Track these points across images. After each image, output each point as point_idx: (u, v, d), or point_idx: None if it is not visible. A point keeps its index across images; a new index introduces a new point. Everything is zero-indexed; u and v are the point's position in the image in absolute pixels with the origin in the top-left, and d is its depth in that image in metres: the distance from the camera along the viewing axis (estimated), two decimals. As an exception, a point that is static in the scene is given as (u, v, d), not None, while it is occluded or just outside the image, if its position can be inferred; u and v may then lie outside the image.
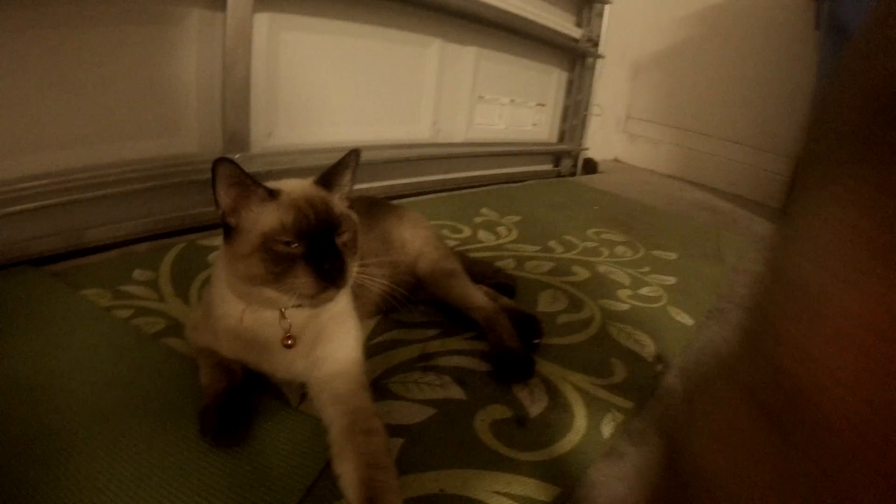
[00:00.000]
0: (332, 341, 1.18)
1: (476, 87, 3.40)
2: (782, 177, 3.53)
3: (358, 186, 2.72)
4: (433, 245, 1.68)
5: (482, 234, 2.42)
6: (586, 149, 4.41)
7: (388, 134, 2.93)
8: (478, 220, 2.63)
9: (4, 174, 1.75)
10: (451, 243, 2.16)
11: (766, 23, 4.09)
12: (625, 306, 1.87)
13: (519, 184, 3.66)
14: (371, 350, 1.42)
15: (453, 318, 1.61)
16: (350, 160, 1.16)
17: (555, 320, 1.71)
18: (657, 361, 1.57)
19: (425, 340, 1.52)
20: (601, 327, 1.70)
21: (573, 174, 4.35)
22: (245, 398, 1.15)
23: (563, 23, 3.77)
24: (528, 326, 1.55)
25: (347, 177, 1.17)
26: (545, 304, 1.82)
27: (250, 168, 2.17)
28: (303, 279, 1.01)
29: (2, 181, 1.74)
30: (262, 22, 2.24)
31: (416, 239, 1.67)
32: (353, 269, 1.09)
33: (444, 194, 3.09)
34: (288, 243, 1.02)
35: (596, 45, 4.07)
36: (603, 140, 4.72)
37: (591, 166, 4.53)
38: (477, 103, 3.46)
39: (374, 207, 1.68)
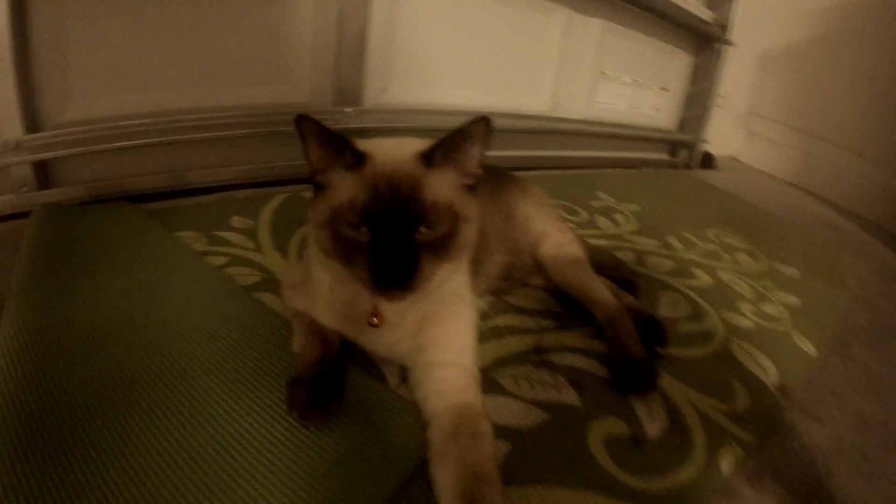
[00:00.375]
0: (441, 325, 1.03)
1: (599, 62, 3.18)
2: None
3: None
4: (557, 226, 1.51)
5: (600, 220, 2.24)
6: (706, 142, 4.09)
7: (506, 103, 2.76)
8: (595, 203, 2.44)
9: (112, 110, 1.73)
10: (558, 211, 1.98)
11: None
12: (748, 323, 1.67)
13: (635, 170, 3.44)
14: (481, 335, 1.27)
15: (570, 308, 1.44)
16: (475, 131, 0.91)
17: (676, 328, 1.52)
18: (780, 393, 1.36)
19: (540, 331, 1.35)
20: (724, 343, 1.51)
21: (689, 167, 4.05)
22: (339, 372, 1.02)
23: (693, 2, 3.46)
24: (652, 331, 1.37)
25: (470, 152, 0.94)
26: (666, 307, 1.63)
27: (360, 123, 2.10)
28: (360, 274, 0.87)
29: (108, 116, 1.73)
30: (384, -29, 2.12)
31: (539, 217, 1.49)
32: (434, 274, 0.90)
33: (557, 172, 2.91)
34: (354, 226, 0.88)
35: (725, 30, 3.74)
36: (721, 134, 4.36)
37: (707, 161, 4.20)
38: (599, 80, 3.24)
39: (498, 177, 1.52)
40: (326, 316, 1.05)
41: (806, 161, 4.28)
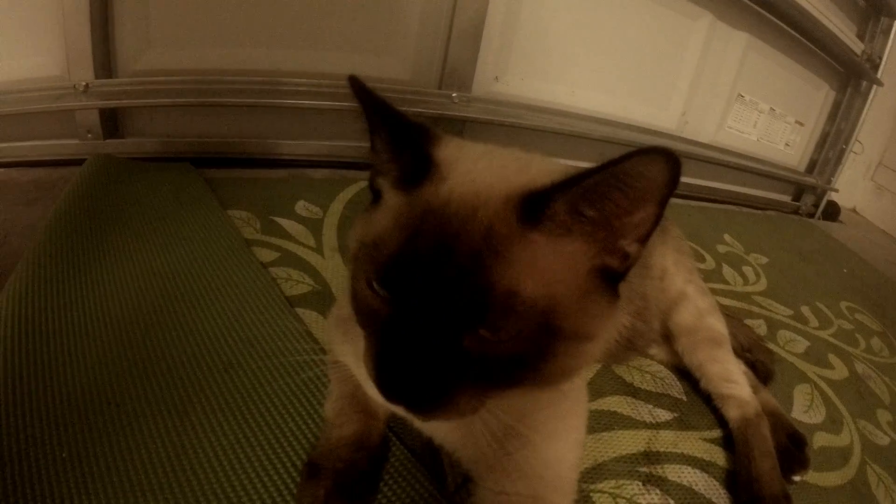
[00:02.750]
0: (532, 442, 0.68)
1: (738, 82, 2.82)
2: None
3: (579, 164, 2.40)
4: (698, 286, 1.19)
5: (727, 272, 1.92)
6: (834, 189, 3.65)
7: (630, 112, 2.45)
8: (721, 249, 2.12)
9: (192, 62, 1.62)
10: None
11: None
12: (885, 440, 1.35)
13: (760, 212, 3.08)
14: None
15: (693, 389, 1.16)
16: (647, 174, 0.49)
17: (811, 439, 1.20)
18: None
19: (655, 427, 1.06)
20: (859, 468, 1.19)
21: (811, 215, 3.63)
22: (377, 462, 0.74)
23: (845, 29, 3.06)
24: (792, 448, 1.07)
25: (630, 213, 0.53)
26: (800, 407, 1.31)
27: (465, 112, 1.86)
28: (366, 357, 0.56)
29: (186, 69, 1.62)
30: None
31: (679, 272, 1.17)
32: (483, 404, 0.56)
33: (678, 201, 2.58)
34: (371, 282, 0.55)
35: (876, 67, 3.28)
36: (848, 183, 3.90)
37: (832, 211, 3.76)
38: (734, 102, 2.88)
39: None
40: (370, 382, 0.65)
41: None
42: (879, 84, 3.29)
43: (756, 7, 2.59)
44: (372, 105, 0.57)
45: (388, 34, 1.78)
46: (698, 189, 2.80)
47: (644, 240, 0.55)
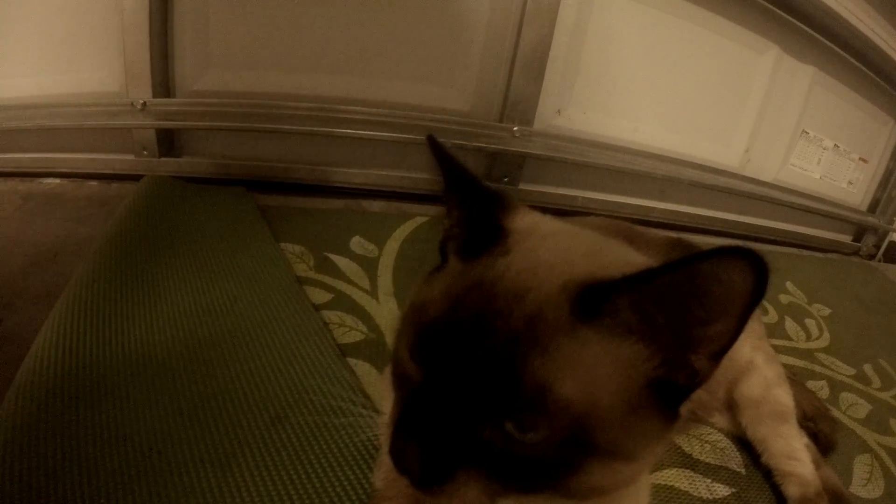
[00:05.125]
0: None
1: (803, 118, 2.72)
2: None
3: (637, 202, 2.32)
4: (766, 355, 1.12)
5: (789, 326, 1.82)
6: None
7: (692, 149, 2.37)
8: (783, 299, 2.02)
9: (250, 85, 1.61)
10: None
11: None
12: None
13: (821, 255, 2.97)
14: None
15: (753, 462, 1.10)
16: (731, 281, 0.44)
17: None
18: None
19: (711, 503, 1.00)
20: None
21: (872, 257, 3.49)
22: None
23: None
24: None
25: (706, 322, 0.46)
26: (859, 481, 1.23)
27: (526, 147, 1.82)
28: (388, 425, 0.52)
29: (245, 92, 1.61)
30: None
31: (748, 339, 1.08)
32: (485, 500, 0.48)
33: (735, 242, 2.46)
34: (409, 349, 0.51)
35: None
36: None
37: (894, 252, 3.62)
38: (799, 138, 2.77)
39: None
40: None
41: None
42: None
43: (823, 39, 2.51)
44: (448, 168, 0.55)
45: (449, 64, 1.74)
46: (760, 230, 2.73)
47: (718, 356, 0.48)
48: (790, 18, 2.34)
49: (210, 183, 1.55)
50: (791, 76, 2.55)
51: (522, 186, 1.96)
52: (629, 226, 1.19)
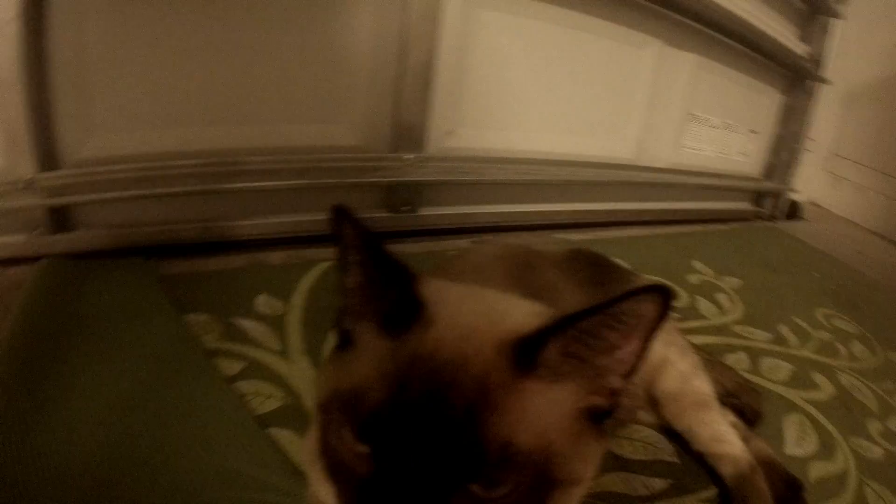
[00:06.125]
0: None
1: (689, 102, 2.85)
2: None
3: (540, 208, 2.35)
4: (680, 349, 1.17)
5: (702, 305, 1.90)
6: (794, 190, 3.75)
7: (587, 149, 2.44)
8: (692, 278, 2.10)
9: (137, 147, 1.53)
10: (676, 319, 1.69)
11: None
12: (878, 452, 1.37)
13: (724, 226, 3.12)
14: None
15: (687, 453, 1.15)
16: (642, 312, 0.50)
17: (807, 472, 1.21)
18: None
19: (651, 499, 1.03)
20: (857, 490, 1.21)
21: (774, 217, 3.70)
22: None
23: (787, 34, 3.16)
24: (790, 495, 1.07)
25: (622, 349, 0.52)
26: (793, 441, 1.31)
27: (420, 175, 1.82)
28: None
29: (131, 155, 1.53)
30: (457, -7, 1.80)
31: (659, 337, 1.12)
32: None
33: (643, 231, 2.60)
34: (352, 436, 0.50)
35: (819, 66, 3.40)
36: (804, 179, 4.00)
37: (793, 210, 3.84)
38: (688, 123, 2.90)
39: (600, 272, 1.20)
40: None
41: (894, 208, 3.96)
42: (826, 82, 3.41)
43: (701, 27, 2.62)
44: (361, 240, 0.53)
45: (335, 100, 1.72)
46: (663, 213, 2.82)
47: (629, 374, 0.54)
48: (667, 12, 2.44)
49: (110, 254, 1.49)
50: (674, 66, 2.66)
51: (424, 212, 1.96)
52: (526, 249, 1.21)
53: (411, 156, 1.82)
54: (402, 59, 1.75)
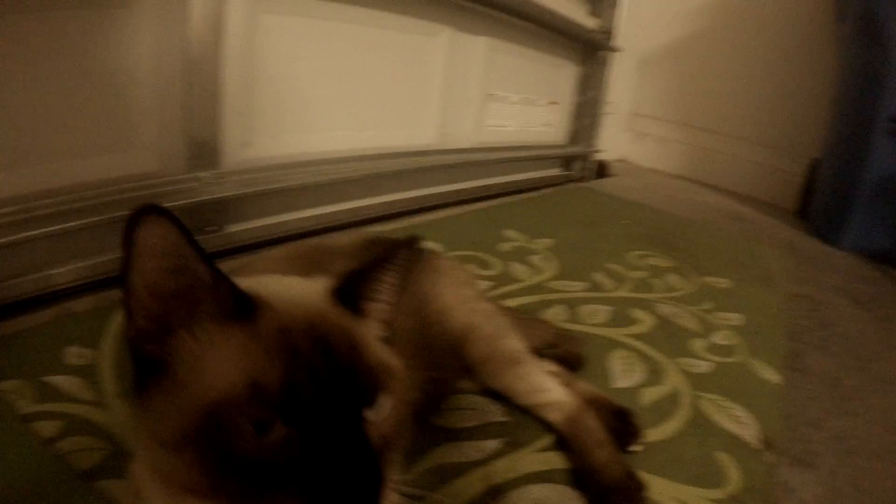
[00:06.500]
0: None
1: (487, 83, 2.99)
2: (798, 178, 3.40)
3: (350, 206, 2.32)
4: (484, 314, 1.19)
5: (516, 269, 2.00)
6: (600, 151, 4.09)
7: (390, 140, 2.47)
8: (505, 246, 2.20)
9: None
10: (484, 286, 1.74)
11: (783, 14, 3.94)
12: (707, 366, 1.53)
13: (536, 193, 3.30)
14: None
15: (516, 410, 1.20)
16: (398, 259, 0.64)
17: (637, 401, 1.32)
18: (767, 447, 1.23)
19: (487, 461, 1.07)
20: (692, 403, 1.34)
21: (584, 178, 4.00)
22: None
23: (577, 11, 3.42)
24: (621, 424, 1.15)
25: (393, 289, 0.65)
26: (620, 374, 1.42)
27: (224, 192, 1.75)
28: None
29: None
30: (238, 1, 1.76)
31: (460, 305, 1.16)
32: (391, 487, 0.54)
33: (455, 211, 2.67)
34: (264, 426, 0.48)
35: (610, 36, 3.75)
36: (609, 139, 4.40)
37: (602, 169, 4.21)
38: (487, 102, 3.05)
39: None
40: None
41: (694, 153, 4.63)
42: (616, 50, 3.77)
43: (490, 10, 2.73)
44: (177, 249, 0.51)
45: (123, 126, 1.61)
46: (473, 191, 2.93)
47: (396, 304, 0.67)
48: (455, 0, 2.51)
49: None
50: (467, 50, 2.77)
51: (231, 229, 1.90)
52: (314, 245, 1.22)
53: (208, 174, 1.75)
54: (187, 75, 1.67)
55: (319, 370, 0.51)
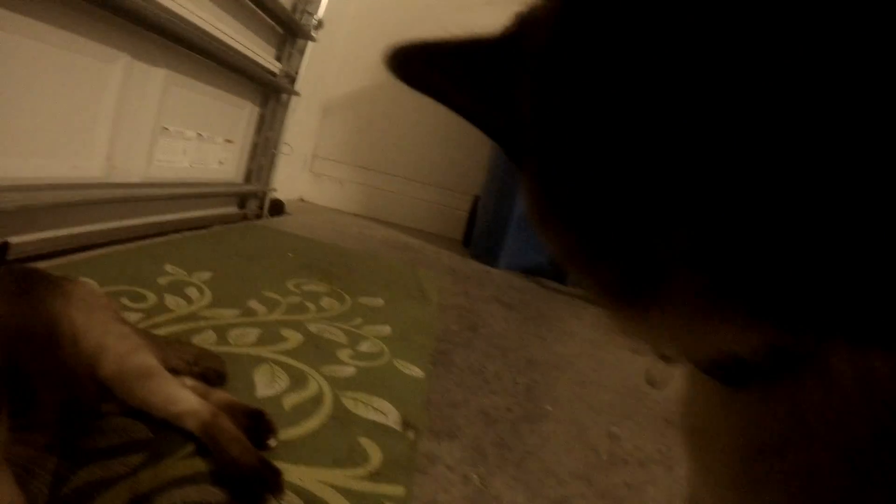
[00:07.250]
0: None
1: (161, 116, 2.95)
2: (463, 213, 4.36)
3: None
4: (115, 334, 1.24)
5: (170, 300, 2.04)
6: (274, 189, 4.26)
7: (48, 170, 2.31)
8: (162, 280, 2.23)
9: None
10: (134, 317, 1.75)
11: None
12: (350, 369, 1.74)
13: (204, 230, 3.29)
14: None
15: (160, 426, 1.25)
16: None
17: (281, 404, 1.46)
18: (407, 428, 1.46)
19: (132, 473, 1.10)
20: (335, 402, 1.52)
21: (259, 217, 4.15)
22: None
23: (264, 55, 3.60)
24: (256, 424, 1.28)
25: None
26: (264, 385, 1.55)
27: None
28: None
29: None
30: None
31: (91, 328, 1.20)
32: None
33: (117, 248, 2.57)
34: None
35: (293, 81, 4.01)
36: (288, 179, 4.65)
37: (277, 207, 4.40)
38: (160, 136, 3.01)
39: (29, 284, 1.21)
40: None
41: (371, 193, 5.20)
42: (297, 94, 4.01)
43: (172, 43, 2.74)
44: None
45: None
46: (135, 230, 2.82)
47: None
48: (137, 27, 2.47)
49: None
50: (143, 80, 2.71)
51: None
52: None
53: None
54: None
55: None
